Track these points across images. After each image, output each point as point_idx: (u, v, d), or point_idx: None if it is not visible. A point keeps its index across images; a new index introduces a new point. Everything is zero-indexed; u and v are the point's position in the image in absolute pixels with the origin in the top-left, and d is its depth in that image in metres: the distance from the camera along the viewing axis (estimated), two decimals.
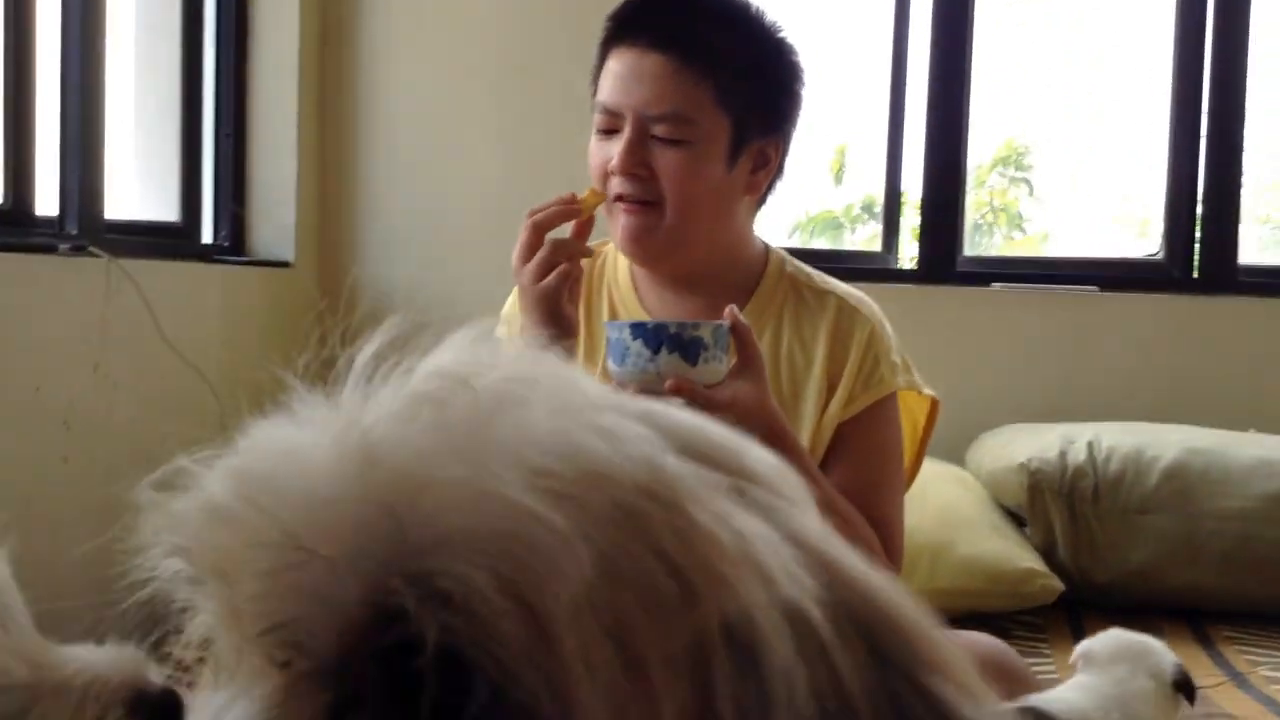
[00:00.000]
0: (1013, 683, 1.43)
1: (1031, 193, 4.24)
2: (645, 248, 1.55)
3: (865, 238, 4.10)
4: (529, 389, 0.36)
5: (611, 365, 1.35)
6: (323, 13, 2.94)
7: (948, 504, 2.45)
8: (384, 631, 0.33)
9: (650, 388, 1.31)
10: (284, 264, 2.77)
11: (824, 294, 1.62)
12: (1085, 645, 1.46)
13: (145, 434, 2.03)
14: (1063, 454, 2.52)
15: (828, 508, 0.44)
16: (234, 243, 2.74)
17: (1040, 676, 1.66)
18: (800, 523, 0.38)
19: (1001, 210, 4.36)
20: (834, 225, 4.25)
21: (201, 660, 0.42)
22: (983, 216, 4.25)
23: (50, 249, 1.83)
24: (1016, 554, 2.37)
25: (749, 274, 1.62)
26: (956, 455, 2.77)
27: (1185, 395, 2.92)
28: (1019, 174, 4.29)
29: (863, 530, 1.44)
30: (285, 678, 0.34)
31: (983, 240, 4.24)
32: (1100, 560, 2.46)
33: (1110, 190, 3.86)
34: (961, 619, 2.06)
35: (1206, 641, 2.26)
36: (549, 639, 0.32)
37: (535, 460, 0.34)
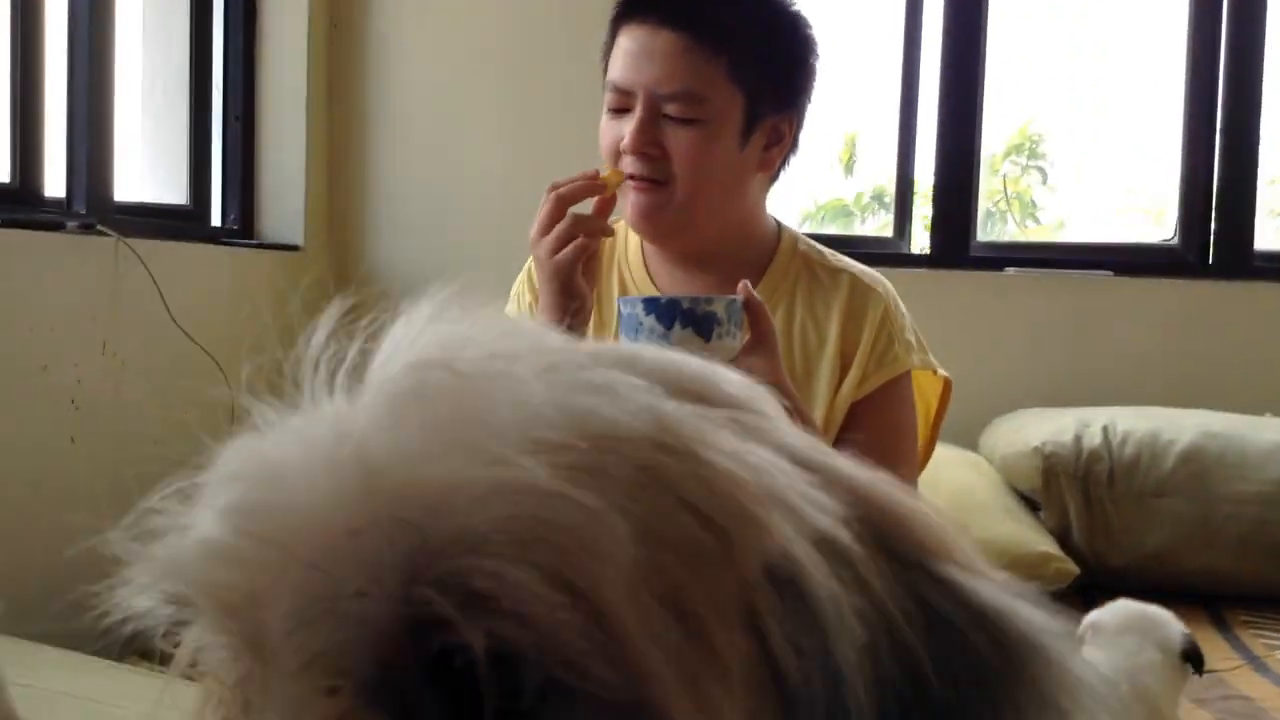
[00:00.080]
0: None
1: (1045, 181, 4.21)
2: (656, 225, 1.53)
3: (876, 227, 4.07)
4: (512, 361, 0.35)
5: (624, 341, 1.34)
6: None
7: (961, 488, 2.43)
8: (425, 644, 0.32)
9: None
10: (293, 248, 2.76)
11: (837, 272, 1.60)
12: (1094, 616, 1.45)
13: (153, 414, 2.02)
14: (1078, 438, 2.50)
15: None
16: (243, 227, 2.73)
17: None
18: (790, 439, 0.38)
19: (1015, 198, 4.33)
20: (844, 213, 4.22)
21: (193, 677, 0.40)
22: (995, 204, 4.22)
23: (58, 226, 1.82)
24: (1031, 538, 2.35)
25: (761, 252, 1.60)
26: (969, 440, 2.75)
27: (1200, 380, 2.89)
28: (1032, 162, 4.26)
29: None
30: (334, 705, 0.32)
31: (996, 228, 4.21)
32: (1115, 544, 2.44)
33: (1125, 179, 3.83)
34: None
35: (1223, 625, 2.24)
36: (608, 623, 0.31)
37: (544, 436, 0.32)
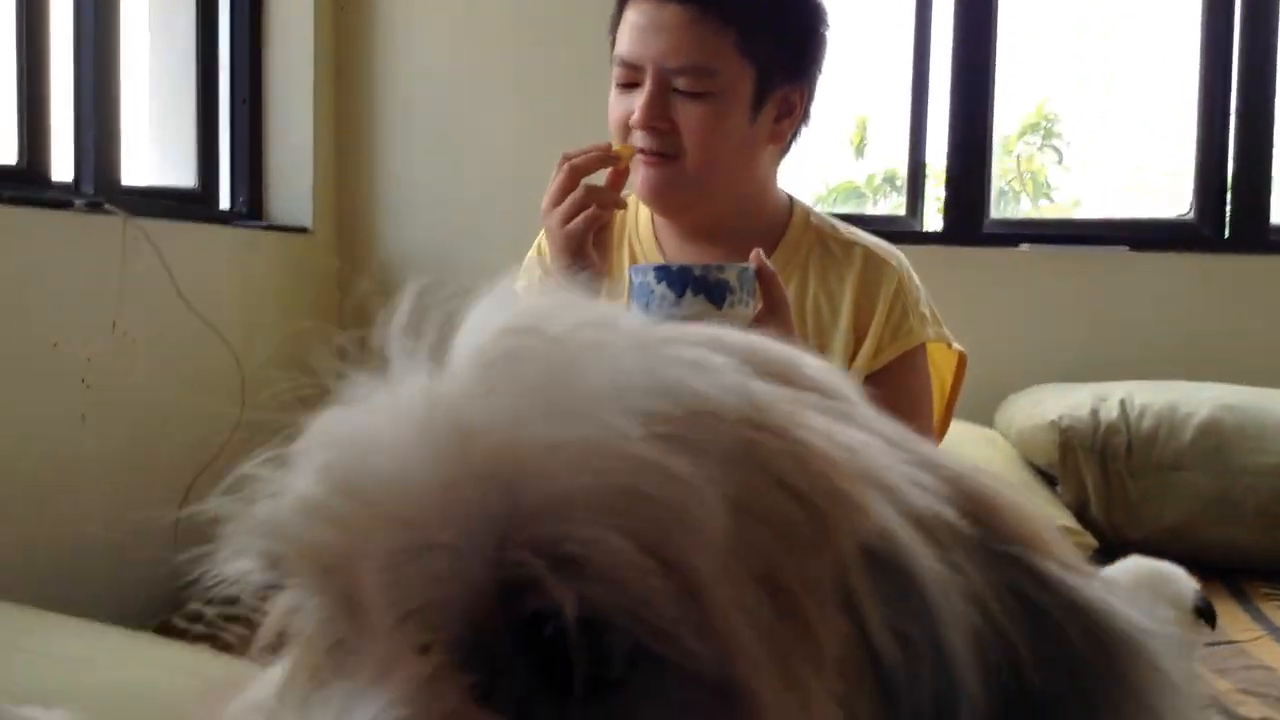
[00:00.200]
0: None
1: (1061, 160, 4.17)
2: (667, 200, 1.52)
3: (888, 209, 4.04)
4: (607, 331, 0.34)
5: (635, 310, 1.32)
6: None
7: (977, 465, 2.41)
8: (517, 606, 0.31)
9: None
10: (302, 229, 2.75)
11: (850, 245, 1.58)
12: (1105, 573, 1.43)
13: (163, 393, 2.03)
14: (1095, 411, 2.48)
15: None
16: (251, 209, 2.72)
17: None
18: (878, 424, 0.37)
19: (1029, 177, 4.30)
20: (856, 195, 4.20)
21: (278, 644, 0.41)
22: (1009, 184, 4.19)
23: (66, 205, 1.82)
24: (1048, 512, 2.33)
25: (773, 225, 1.59)
26: (985, 417, 2.73)
27: (1217, 354, 2.87)
28: (1047, 142, 4.23)
29: None
30: (424, 664, 0.32)
31: (1009, 208, 4.18)
32: (1134, 517, 2.42)
33: (1139, 157, 3.79)
34: None
35: (1243, 597, 2.22)
36: (700, 595, 0.30)
37: (640, 404, 0.32)
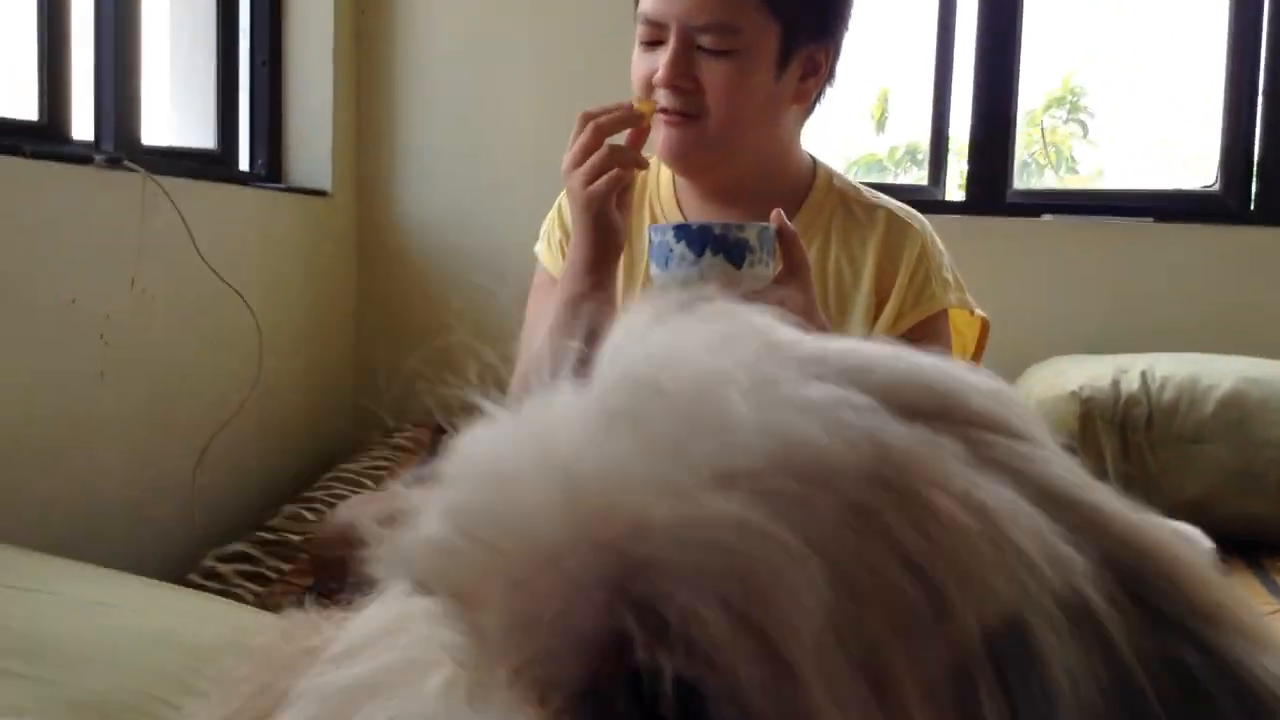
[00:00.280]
0: None
1: (1086, 134, 4.13)
2: (690, 160, 1.51)
3: (909, 182, 4.02)
4: (724, 380, 0.33)
5: (654, 269, 1.31)
6: None
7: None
8: (625, 660, 0.31)
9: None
10: (321, 192, 2.75)
11: (873, 208, 1.57)
12: None
13: (182, 351, 2.03)
14: (1115, 383, 2.46)
15: None
16: (270, 171, 2.72)
17: None
18: (1044, 468, 0.33)
19: (1054, 149, 4.26)
20: (878, 168, 4.18)
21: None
22: (1033, 155, 4.16)
23: (86, 160, 1.81)
24: None
25: (796, 186, 1.57)
26: None
27: (1242, 327, 2.84)
28: (1073, 115, 4.19)
29: None
30: (544, 713, 0.32)
31: (1032, 180, 4.14)
32: (1153, 490, 2.39)
33: (1165, 130, 3.76)
34: None
35: (1261, 571, 2.21)
36: (792, 677, 0.29)
37: (746, 466, 0.30)
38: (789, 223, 1.33)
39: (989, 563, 0.30)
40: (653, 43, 1.44)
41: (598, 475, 0.32)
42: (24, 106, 1.93)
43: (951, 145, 3.14)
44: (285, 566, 1.80)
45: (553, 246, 1.61)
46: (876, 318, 1.53)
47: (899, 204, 1.59)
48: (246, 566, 1.77)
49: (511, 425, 0.35)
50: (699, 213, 1.57)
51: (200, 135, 2.58)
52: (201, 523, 2.04)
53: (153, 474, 1.91)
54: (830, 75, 1.52)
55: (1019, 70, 3.05)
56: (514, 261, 2.17)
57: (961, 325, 1.64)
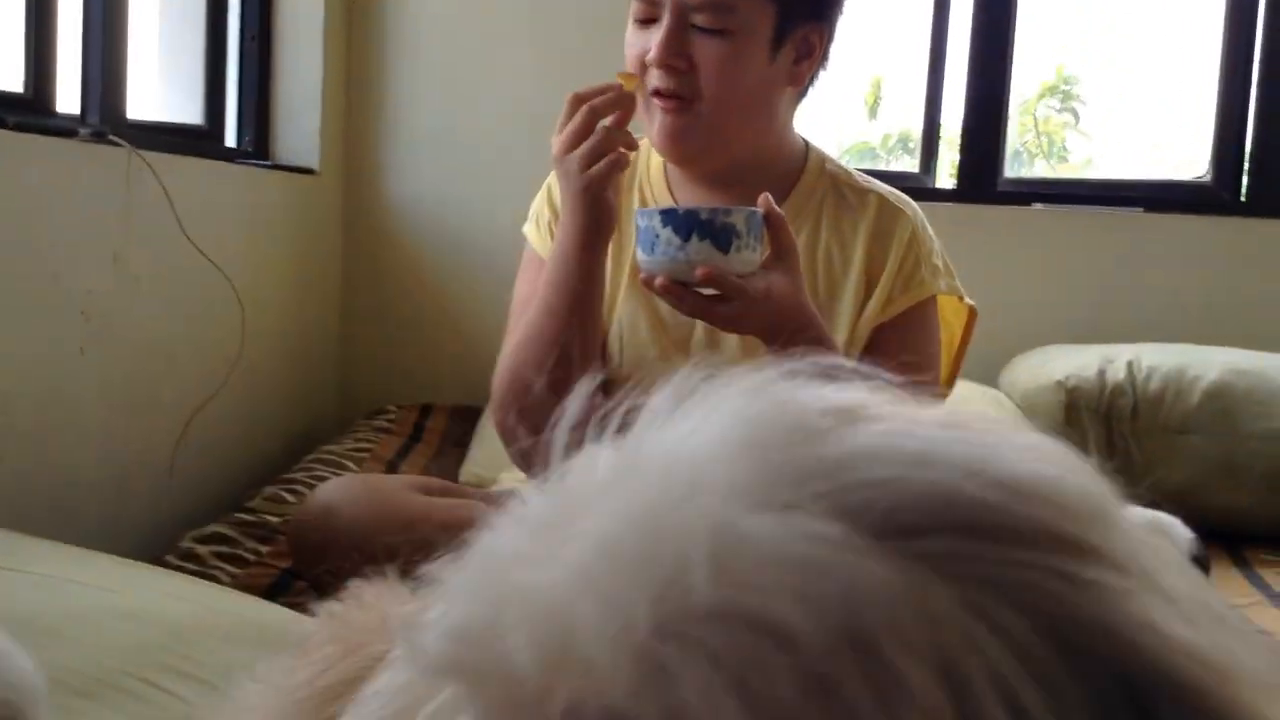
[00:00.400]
0: None
1: (1078, 123, 4.13)
2: (684, 148, 1.50)
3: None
4: (685, 532, 0.30)
5: (641, 255, 1.30)
6: None
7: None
8: None
9: (681, 277, 1.27)
10: (308, 170, 2.73)
11: (865, 192, 1.56)
12: None
13: (165, 327, 2.01)
14: (1101, 372, 2.47)
15: None
16: (258, 149, 2.69)
17: None
18: (1140, 608, 0.29)
19: (1046, 137, 4.26)
20: (869, 156, 4.17)
21: None
22: (1024, 144, 4.15)
23: (70, 133, 1.79)
24: None
25: (788, 170, 1.57)
26: (990, 377, 2.72)
27: (1230, 318, 2.85)
28: (1066, 105, 4.18)
29: None
30: None
31: (1023, 170, 4.14)
32: (1137, 480, 2.40)
33: (1156, 118, 3.75)
34: None
35: (1243, 563, 2.21)
36: None
37: (695, 634, 0.28)
38: (777, 207, 1.33)
39: None
40: (647, 20, 1.43)
41: (571, 630, 0.29)
42: (9, 78, 1.91)
43: (943, 133, 3.14)
44: (263, 548, 1.79)
45: (541, 228, 1.60)
46: (865, 302, 1.52)
47: (891, 189, 1.59)
48: (224, 548, 1.76)
49: (527, 531, 0.33)
50: (690, 195, 1.56)
51: (187, 111, 2.56)
52: (181, 502, 2.03)
53: (133, 452, 1.90)
54: (824, 58, 1.51)
55: (1012, 59, 3.05)
56: (502, 243, 2.16)
57: (949, 312, 1.63)
